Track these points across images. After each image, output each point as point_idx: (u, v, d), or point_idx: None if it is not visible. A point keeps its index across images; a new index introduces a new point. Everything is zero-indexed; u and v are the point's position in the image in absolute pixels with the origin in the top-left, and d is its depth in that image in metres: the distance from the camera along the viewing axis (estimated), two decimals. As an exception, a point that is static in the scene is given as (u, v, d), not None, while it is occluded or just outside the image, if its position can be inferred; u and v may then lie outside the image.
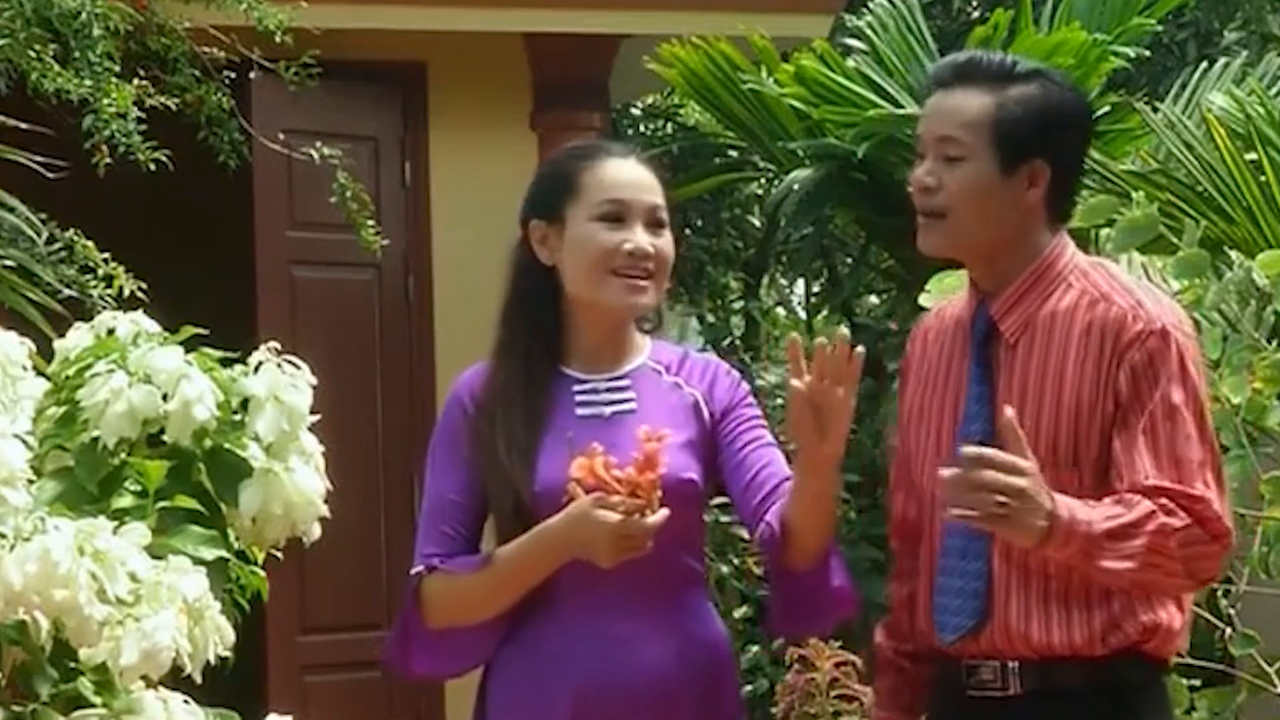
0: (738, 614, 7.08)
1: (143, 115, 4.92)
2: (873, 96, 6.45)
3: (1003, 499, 2.80)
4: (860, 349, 3.04)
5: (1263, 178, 5.24)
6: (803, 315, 10.27)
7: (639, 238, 3.27)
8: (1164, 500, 2.90)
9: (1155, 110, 6.12)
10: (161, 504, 2.86)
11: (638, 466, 3.05)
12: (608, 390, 3.28)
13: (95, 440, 2.89)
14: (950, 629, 3.07)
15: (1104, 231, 4.69)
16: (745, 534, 6.17)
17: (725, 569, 6.92)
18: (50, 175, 4.59)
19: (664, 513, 3.07)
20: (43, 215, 4.74)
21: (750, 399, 3.37)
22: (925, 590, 3.14)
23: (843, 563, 3.25)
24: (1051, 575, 2.99)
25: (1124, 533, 2.88)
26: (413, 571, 3.27)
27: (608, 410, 3.26)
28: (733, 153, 7.74)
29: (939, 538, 3.10)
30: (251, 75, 5.51)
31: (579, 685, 3.16)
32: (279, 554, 3.08)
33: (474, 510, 3.27)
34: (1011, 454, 2.83)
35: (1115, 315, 2.99)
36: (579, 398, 3.27)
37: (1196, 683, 4.34)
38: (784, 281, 10.67)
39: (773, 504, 3.21)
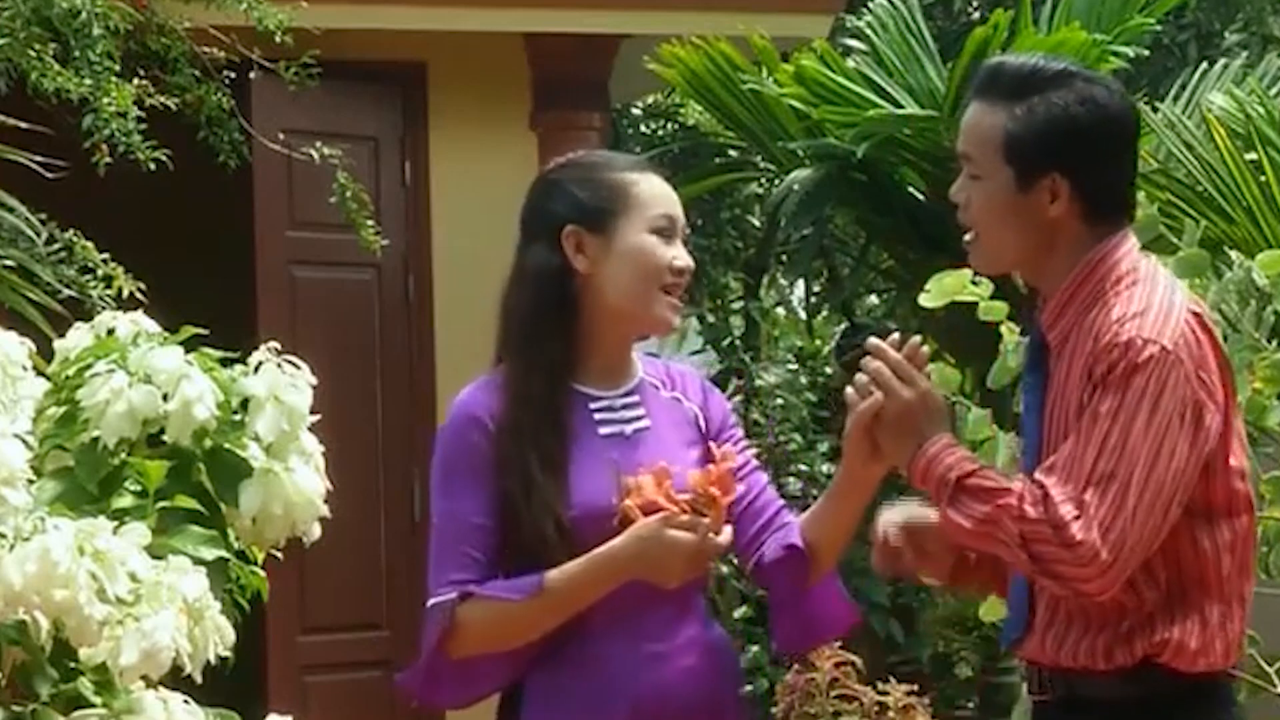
0: (738, 614, 7.08)
1: (143, 115, 4.91)
2: (873, 96, 6.46)
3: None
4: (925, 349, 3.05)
5: (1263, 178, 5.24)
6: (803, 315, 10.27)
7: (684, 255, 3.27)
8: (1036, 491, 2.89)
9: (1155, 110, 6.12)
10: (161, 504, 2.85)
11: (720, 486, 3.07)
12: (623, 408, 3.25)
13: (95, 440, 2.89)
14: (1006, 638, 3.14)
15: (1104, 231, 4.69)
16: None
17: (725, 569, 6.92)
18: (50, 175, 4.58)
19: (729, 531, 3.12)
20: (43, 215, 4.74)
21: (734, 415, 3.42)
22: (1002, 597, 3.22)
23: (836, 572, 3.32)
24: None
25: (976, 493, 2.92)
26: (440, 599, 3.17)
27: (628, 429, 3.24)
28: (733, 153, 7.74)
29: None
30: (251, 75, 5.51)
31: (635, 704, 3.12)
32: (279, 554, 3.08)
33: (498, 533, 3.16)
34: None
35: (1101, 327, 2.94)
36: (597, 415, 3.23)
37: (1196, 683, 4.33)
38: (784, 281, 10.68)
39: (772, 531, 3.26)
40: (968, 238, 3.08)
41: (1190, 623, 2.99)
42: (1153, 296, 2.96)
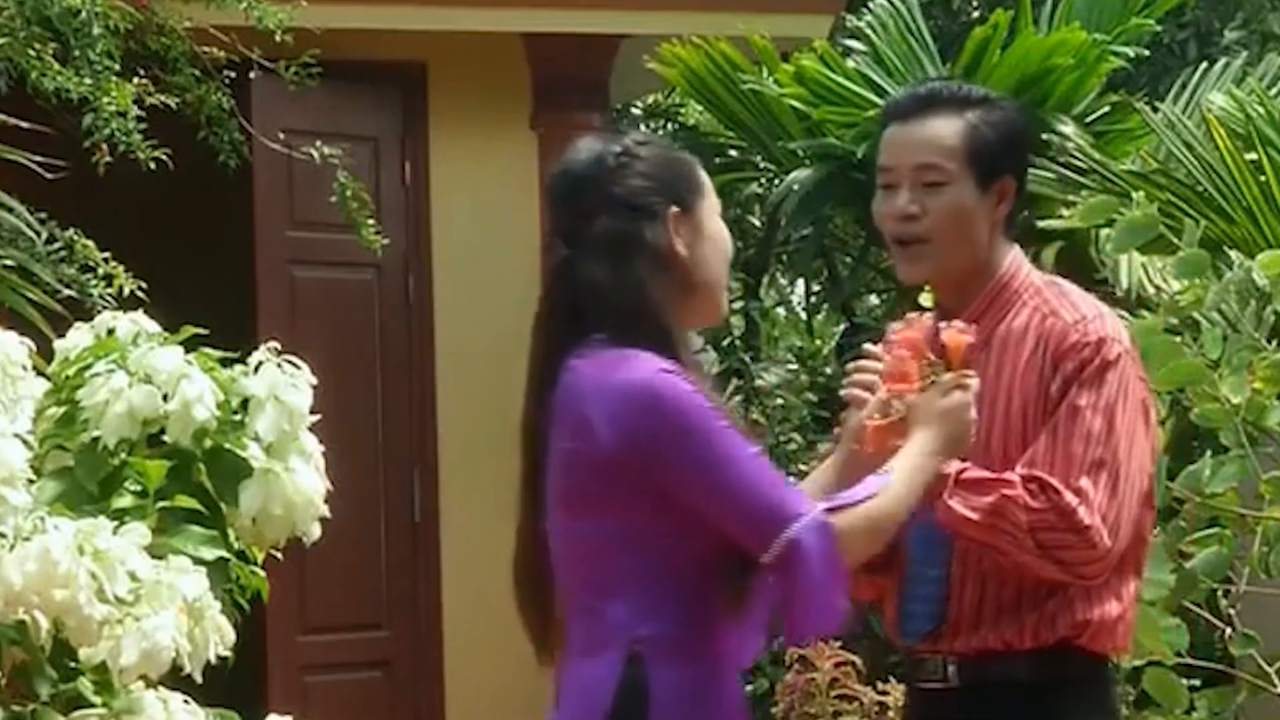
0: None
1: (143, 115, 4.91)
2: (872, 96, 6.45)
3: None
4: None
5: (1263, 178, 5.24)
6: (803, 315, 10.27)
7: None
8: (1033, 486, 3.02)
9: (1155, 110, 6.12)
10: (161, 504, 2.86)
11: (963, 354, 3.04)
12: None
13: (95, 440, 2.89)
14: (912, 632, 3.20)
15: (1104, 231, 4.70)
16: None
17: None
18: (50, 175, 4.58)
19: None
20: (43, 215, 4.74)
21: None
22: (895, 593, 3.23)
23: None
24: (1005, 581, 3.08)
25: (977, 485, 3.01)
26: (808, 520, 2.83)
27: None
28: (733, 153, 7.74)
29: (905, 545, 3.16)
30: (251, 75, 5.50)
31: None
32: (279, 554, 3.08)
33: None
34: None
35: (1059, 329, 3.10)
36: None
37: (1196, 683, 4.34)
38: (784, 281, 10.67)
39: None
40: (904, 248, 3.20)
41: (1109, 605, 3.11)
42: (1092, 301, 3.18)
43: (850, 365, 3.17)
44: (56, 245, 4.73)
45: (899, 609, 3.22)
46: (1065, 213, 5.53)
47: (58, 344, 3.07)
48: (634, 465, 2.85)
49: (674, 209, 3.06)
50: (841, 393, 3.13)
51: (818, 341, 9.20)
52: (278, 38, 5.25)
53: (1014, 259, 3.21)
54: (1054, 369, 3.08)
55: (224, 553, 2.88)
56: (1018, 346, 3.13)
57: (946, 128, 3.17)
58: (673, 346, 2.94)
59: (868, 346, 3.15)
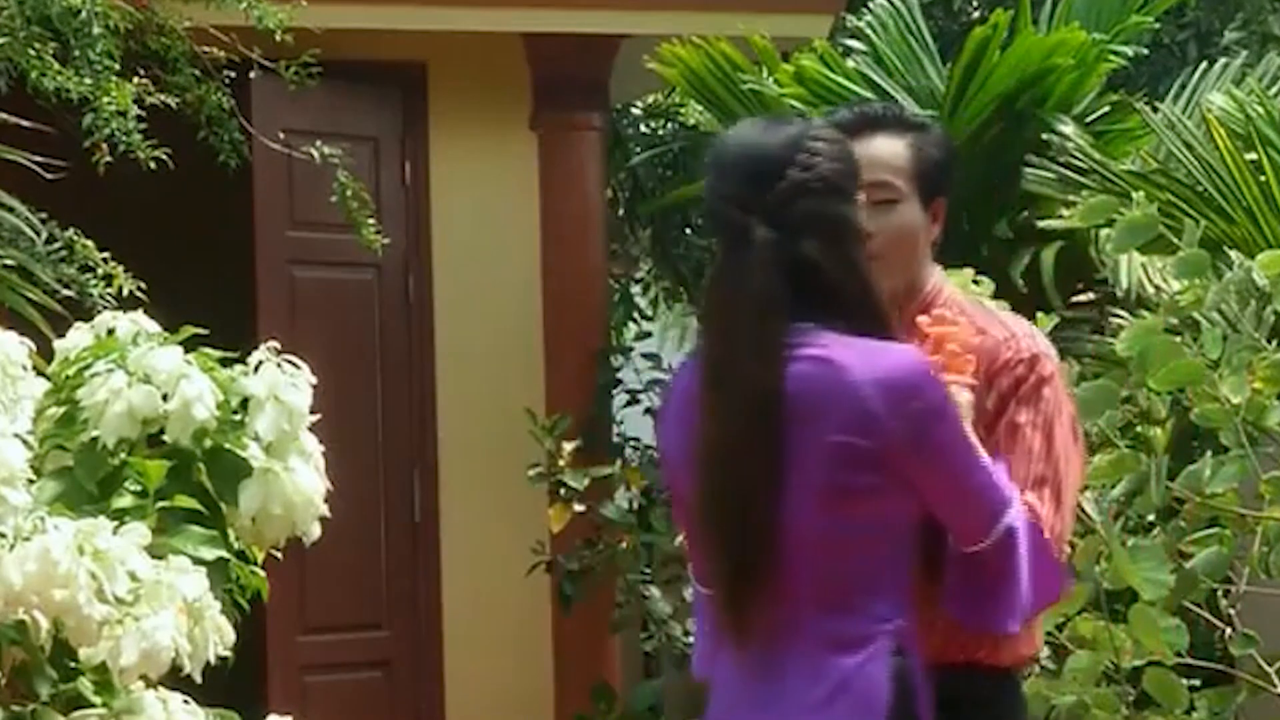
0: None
1: (143, 114, 4.91)
2: (872, 96, 6.45)
3: None
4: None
5: (1263, 178, 5.24)
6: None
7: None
8: None
9: (1155, 110, 6.12)
10: (161, 504, 2.86)
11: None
12: None
13: (95, 440, 2.89)
14: None
15: (1104, 231, 4.69)
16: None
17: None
18: (50, 175, 4.58)
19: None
20: (43, 215, 4.73)
21: None
22: None
23: None
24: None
25: None
26: (1015, 504, 2.94)
27: None
28: (733, 152, 7.72)
29: None
30: (251, 75, 5.50)
31: None
32: (279, 554, 3.08)
33: None
34: None
35: (989, 346, 3.12)
36: None
37: (1196, 683, 4.34)
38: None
39: None
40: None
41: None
42: (1018, 319, 3.24)
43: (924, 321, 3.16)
44: (56, 245, 4.73)
45: None
46: (1065, 213, 5.54)
47: (58, 344, 3.07)
48: (908, 455, 2.83)
49: (860, 194, 3.05)
50: None
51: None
52: (278, 38, 5.25)
53: (937, 279, 3.24)
54: (988, 385, 3.09)
55: (224, 553, 2.88)
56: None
57: (894, 147, 3.19)
58: (891, 330, 2.92)
59: (938, 312, 3.15)
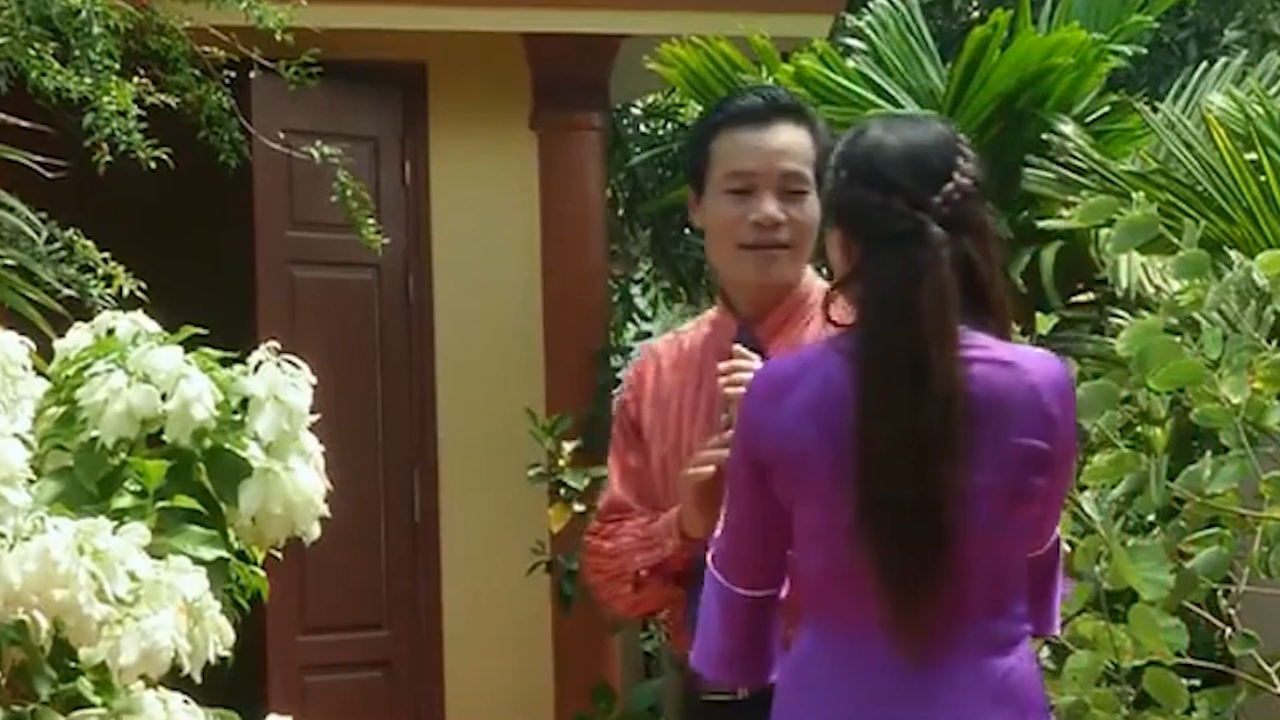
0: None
1: (143, 114, 4.91)
2: (872, 96, 6.45)
3: None
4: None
5: (1263, 178, 5.24)
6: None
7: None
8: None
9: (1155, 110, 6.12)
10: (161, 504, 2.85)
11: None
12: None
13: (95, 440, 2.89)
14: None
15: (1104, 231, 4.69)
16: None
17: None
18: (50, 175, 4.58)
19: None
20: (43, 215, 4.73)
21: None
22: (684, 603, 3.27)
23: None
24: None
25: None
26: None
27: None
28: (733, 152, 7.72)
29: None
30: (251, 75, 5.50)
31: None
32: (279, 554, 3.07)
33: None
34: None
35: None
36: None
37: (1196, 683, 4.33)
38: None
39: None
40: (767, 253, 3.26)
41: None
42: None
43: (723, 365, 3.18)
44: (56, 245, 4.73)
45: (688, 618, 3.17)
46: (1065, 213, 5.53)
47: (58, 344, 3.06)
48: (1068, 460, 2.88)
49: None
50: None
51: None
52: (278, 38, 5.25)
53: (810, 272, 3.29)
54: None
55: (224, 553, 2.87)
56: None
57: (800, 136, 3.22)
58: (1011, 335, 2.91)
59: (737, 347, 3.19)
